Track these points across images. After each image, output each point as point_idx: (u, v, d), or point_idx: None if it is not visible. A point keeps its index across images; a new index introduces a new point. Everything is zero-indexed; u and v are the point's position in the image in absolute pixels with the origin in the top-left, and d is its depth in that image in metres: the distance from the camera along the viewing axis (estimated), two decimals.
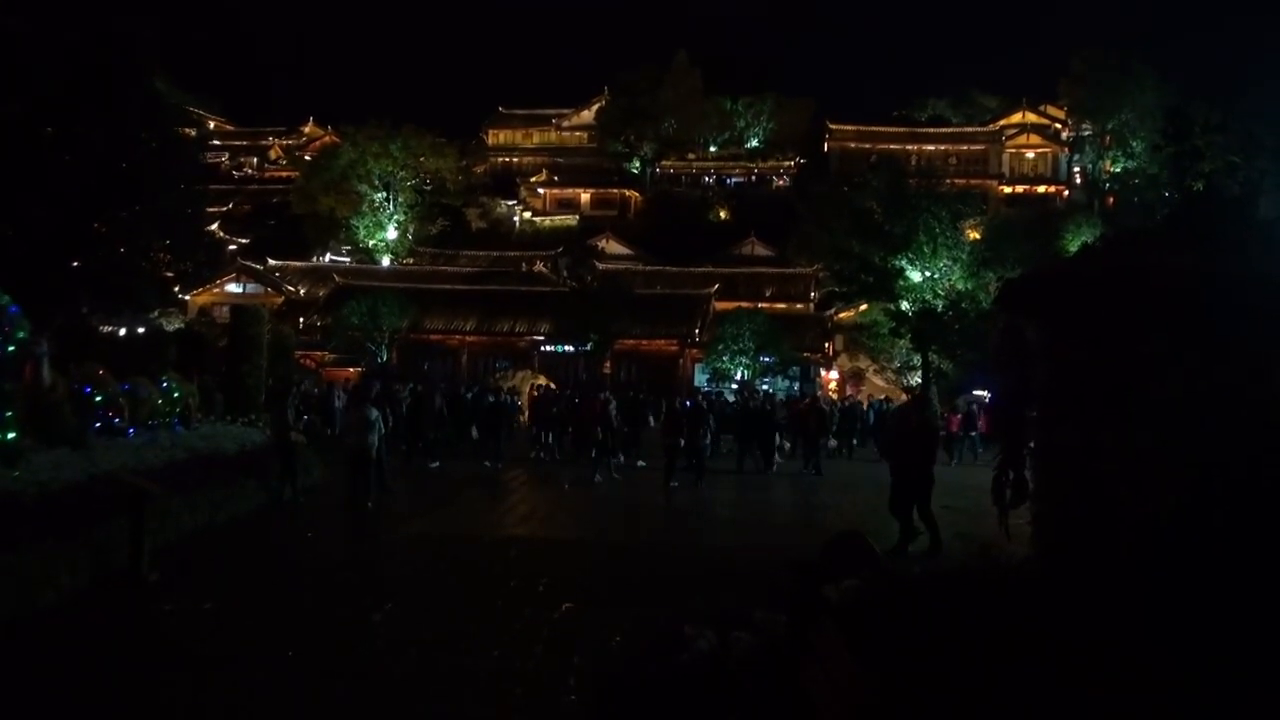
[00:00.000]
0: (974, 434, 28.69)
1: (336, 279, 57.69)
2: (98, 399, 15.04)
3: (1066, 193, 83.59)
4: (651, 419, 29.88)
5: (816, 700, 4.80)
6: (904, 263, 44.46)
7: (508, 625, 8.82)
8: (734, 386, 41.59)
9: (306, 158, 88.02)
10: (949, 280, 44.26)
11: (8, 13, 24.21)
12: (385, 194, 75.19)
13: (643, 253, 71.70)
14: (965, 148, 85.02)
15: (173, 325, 41.38)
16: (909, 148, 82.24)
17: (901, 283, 44.69)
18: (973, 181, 73.14)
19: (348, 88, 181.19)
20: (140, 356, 20.42)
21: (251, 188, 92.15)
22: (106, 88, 25.05)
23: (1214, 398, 4.20)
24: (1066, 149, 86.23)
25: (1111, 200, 79.05)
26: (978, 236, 48.41)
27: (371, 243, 74.81)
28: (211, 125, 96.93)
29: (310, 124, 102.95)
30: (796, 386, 45.12)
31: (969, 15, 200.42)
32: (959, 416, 29.29)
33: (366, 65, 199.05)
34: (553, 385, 33.79)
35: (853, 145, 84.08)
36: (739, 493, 19.67)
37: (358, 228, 74.51)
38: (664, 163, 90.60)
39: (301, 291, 62.28)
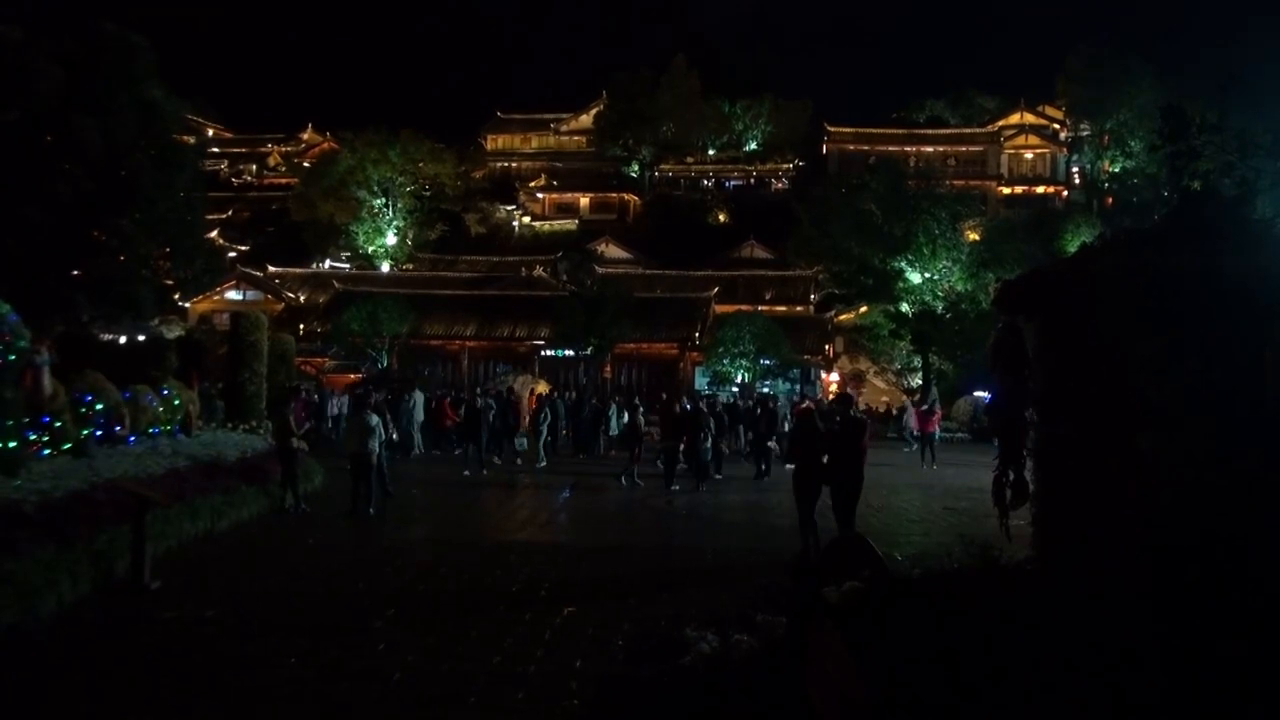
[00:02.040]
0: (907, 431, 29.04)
1: (336, 285, 57.65)
2: (98, 407, 15.07)
3: (1065, 193, 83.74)
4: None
5: (817, 701, 4.81)
6: (903, 264, 44.53)
7: (509, 629, 8.82)
8: (734, 389, 41.58)
9: (305, 164, 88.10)
10: (948, 281, 44.32)
11: (5, 20, 24.27)
12: (384, 200, 75.26)
13: (642, 256, 71.76)
14: (964, 149, 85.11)
15: (173, 333, 41.23)
16: (907, 149, 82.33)
17: (901, 284, 44.75)
18: (971, 182, 73.27)
19: (346, 94, 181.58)
20: (141, 364, 20.37)
21: (251, 194, 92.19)
22: (104, 95, 25.09)
23: (1212, 397, 4.20)
24: (1065, 149, 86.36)
25: (1110, 200, 79.20)
26: (977, 237, 48.47)
27: (371, 249, 74.85)
28: (210, 132, 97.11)
29: (309, 130, 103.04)
30: (797, 388, 45.11)
31: (966, 15, 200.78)
32: (935, 417, 29.28)
33: (364, 71, 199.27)
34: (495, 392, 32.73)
35: (851, 147, 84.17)
36: (739, 496, 19.67)
37: (357, 234, 74.56)
38: (663, 166, 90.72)
39: (301, 298, 62.26)
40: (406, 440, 25.36)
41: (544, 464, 24.07)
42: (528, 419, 28.85)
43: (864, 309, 50.22)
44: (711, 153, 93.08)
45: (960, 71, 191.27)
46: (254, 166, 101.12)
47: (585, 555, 12.87)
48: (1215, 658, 3.72)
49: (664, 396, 26.64)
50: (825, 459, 12.47)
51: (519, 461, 24.62)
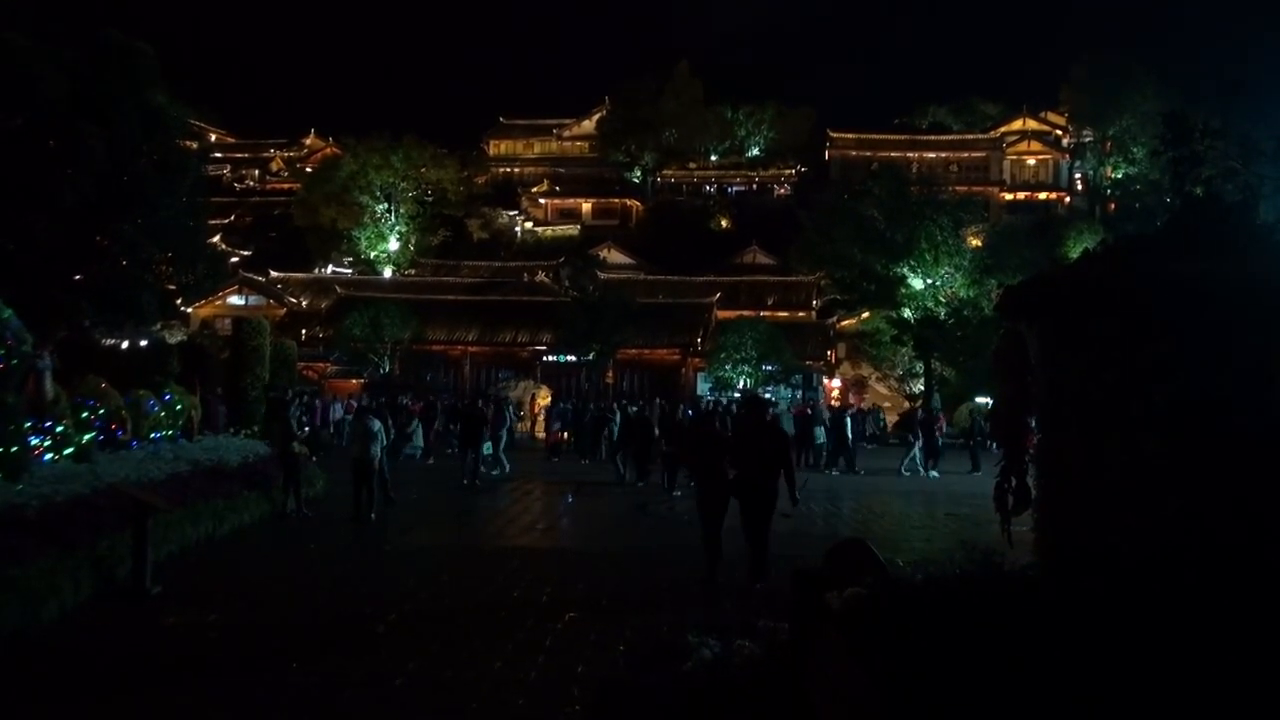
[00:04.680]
0: (820, 441, 27.93)
1: (338, 290, 57.70)
2: (100, 412, 15.08)
3: (1068, 199, 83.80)
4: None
5: (820, 706, 4.80)
6: (905, 270, 44.53)
7: (511, 635, 8.80)
8: (736, 395, 41.56)
9: (308, 169, 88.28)
10: (951, 288, 44.33)
11: (9, 26, 24.34)
12: (387, 205, 75.42)
13: (644, 262, 71.78)
14: (966, 155, 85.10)
15: (175, 338, 41.37)
16: (910, 155, 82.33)
17: (903, 290, 44.75)
18: (974, 188, 73.25)
19: (348, 99, 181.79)
20: (143, 369, 20.41)
21: (253, 200, 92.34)
22: (107, 102, 25.15)
23: (1215, 403, 4.20)
24: (1067, 155, 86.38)
25: (1113, 206, 79.18)
26: (979, 244, 48.49)
27: (373, 254, 74.97)
28: (213, 137, 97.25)
29: (311, 136, 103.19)
30: (799, 394, 45.11)
31: (969, 22, 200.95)
32: (939, 423, 29.08)
33: (367, 76, 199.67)
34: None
35: (853, 153, 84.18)
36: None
37: (359, 239, 74.72)
38: (665, 172, 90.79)
39: (304, 303, 62.31)
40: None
41: (498, 472, 23.63)
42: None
43: (866, 315, 50.24)
44: (714, 159, 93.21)
45: (963, 78, 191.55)
46: (256, 171, 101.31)
47: (587, 561, 12.84)
48: (1220, 665, 3.71)
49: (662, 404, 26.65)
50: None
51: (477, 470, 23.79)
